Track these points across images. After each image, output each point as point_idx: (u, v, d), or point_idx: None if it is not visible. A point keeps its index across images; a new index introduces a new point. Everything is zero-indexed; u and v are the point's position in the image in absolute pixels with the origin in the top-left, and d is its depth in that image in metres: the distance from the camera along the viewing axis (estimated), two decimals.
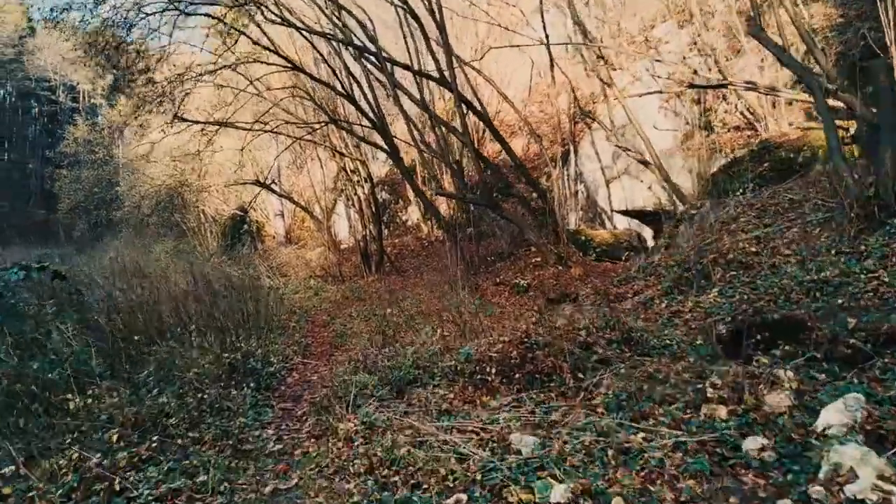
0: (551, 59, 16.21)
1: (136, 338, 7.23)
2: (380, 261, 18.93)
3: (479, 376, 5.38)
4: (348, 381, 6.00)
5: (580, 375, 4.97)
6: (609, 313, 6.15)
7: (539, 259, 12.29)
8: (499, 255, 14.88)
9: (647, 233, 19.44)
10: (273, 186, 21.67)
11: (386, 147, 13.74)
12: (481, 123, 14.19)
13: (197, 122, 13.37)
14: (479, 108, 11.92)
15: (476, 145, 20.50)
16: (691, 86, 11.81)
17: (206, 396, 5.73)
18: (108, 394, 5.75)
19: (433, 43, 12.30)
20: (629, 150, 15.64)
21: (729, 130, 16.82)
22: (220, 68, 12.28)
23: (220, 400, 5.79)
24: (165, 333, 7.68)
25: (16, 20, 46.28)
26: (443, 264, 20.56)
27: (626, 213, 20.26)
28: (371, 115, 12.89)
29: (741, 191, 11.25)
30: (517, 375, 5.21)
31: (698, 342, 5.29)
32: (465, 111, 11.54)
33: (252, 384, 6.38)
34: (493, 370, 5.31)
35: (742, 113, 17.03)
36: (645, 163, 15.37)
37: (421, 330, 8.01)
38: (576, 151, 22.09)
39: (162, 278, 10.86)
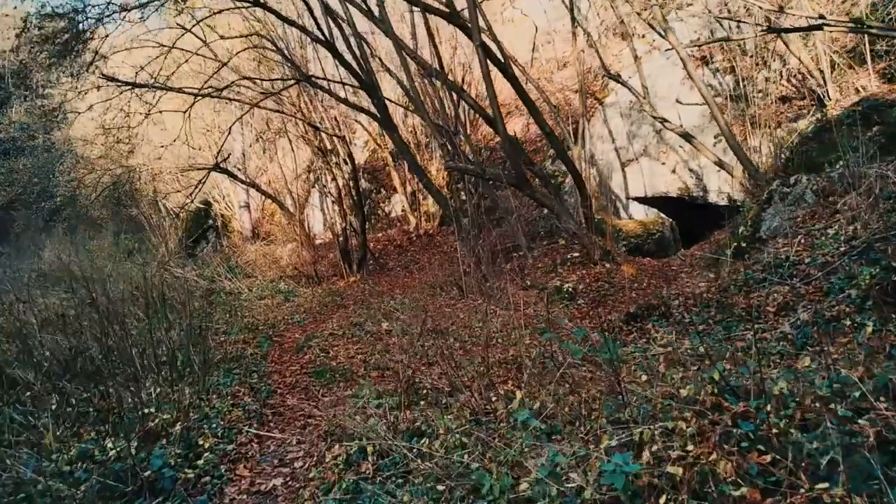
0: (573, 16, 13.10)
1: None
2: (362, 258, 15.66)
3: None
4: None
5: None
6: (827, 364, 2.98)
7: (576, 255, 9.19)
8: (514, 248, 11.72)
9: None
10: (236, 172, 18.21)
11: (375, 112, 10.50)
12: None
13: (125, 84, 9.94)
14: (501, 58, 8.69)
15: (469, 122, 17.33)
16: (769, 30, 8.73)
17: None
18: None
19: None
20: (666, 120, 12.59)
21: (774, 101, 13.89)
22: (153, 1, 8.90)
23: None
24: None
25: None
26: (442, 261, 17.37)
27: (643, 200, 17.29)
28: (356, 68, 9.65)
29: (841, 163, 8.31)
30: None
31: None
32: (486, 64, 8.29)
33: None
34: None
35: (790, 80, 14.15)
36: (688, 136, 12.33)
37: (461, 372, 4.79)
38: (582, 133, 19.07)
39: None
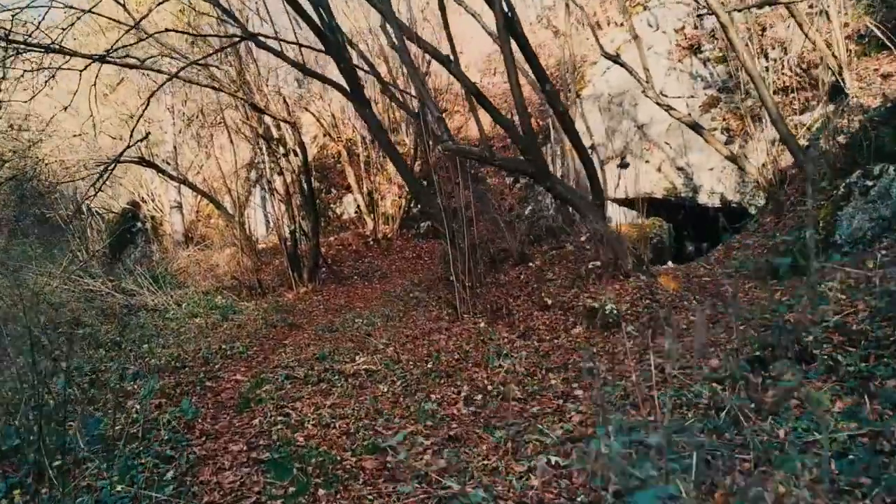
0: None
1: None
2: (314, 265, 13.21)
3: None
4: None
5: None
6: None
7: (597, 264, 7.11)
8: (504, 255, 9.58)
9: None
10: (164, 167, 15.43)
11: (345, 86, 8.10)
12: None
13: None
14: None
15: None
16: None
17: None
18: None
19: None
20: (671, 108, 10.72)
21: (776, 92, 12.28)
22: None
23: None
24: None
25: None
26: (404, 268, 15.05)
27: (625, 201, 15.49)
28: (319, 24, 7.25)
29: None
30: None
31: None
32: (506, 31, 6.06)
33: None
34: None
35: (795, 69, 12.57)
36: (697, 127, 10.50)
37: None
38: (556, 127, 17.15)
39: None
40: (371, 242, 16.44)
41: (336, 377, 5.50)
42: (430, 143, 8.34)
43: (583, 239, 8.74)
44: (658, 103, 10.65)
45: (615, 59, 10.57)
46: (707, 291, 7.16)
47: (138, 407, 4.50)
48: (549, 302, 6.56)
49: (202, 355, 6.94)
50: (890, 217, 6.37)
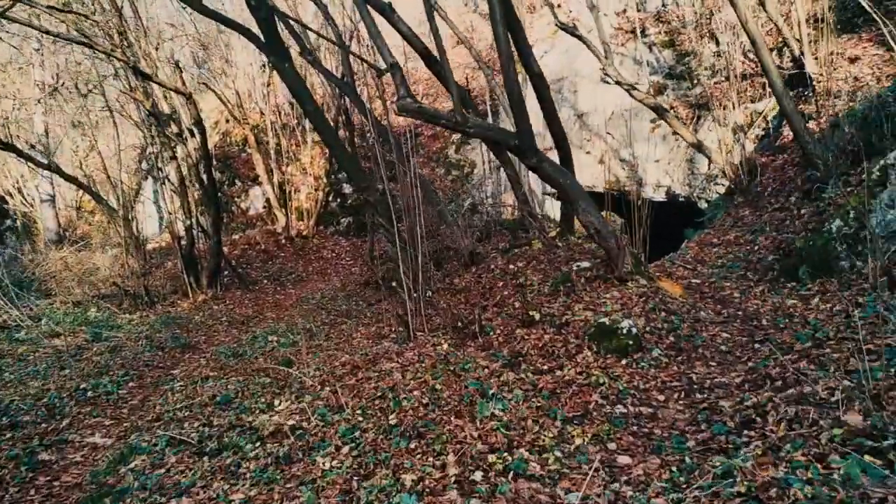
0: None
1: None
2: (216, 268, 11.00)
3: None
4: None
5: None
6: None
7: (586, 265, 5.57)
8: (450, 255, 7.93)
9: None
10: (33, 153, 12.68)
11: (260, 35, 6.08)
12: None
13: None
14: None
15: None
16: None
17: None
18: None
19: None
20: (634, 87, 9.40)
21: (727, 79, 11.33)
22: None
23: None
24: None
25: None
26: (324, 269, 13.02)
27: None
28: None
29: None
30: None
31: None
32: None
33: None
34: None
35: (749, 55, 11.67)
36: (661, 110, 9.23)
37: None
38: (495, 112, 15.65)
39: None
40: (283, 241, 14.30)
41: (246, 441, 3.60)
42: (366, 117, 6.50)
43: (552, 234, 7.21)
44: (619, 83, 9.29)
45: (572, 30, 9.12)
46: (707, 296, 5.79)
47: None
48: (537, 317, 4.92)
49: (47, 401, 4.79)
50: None
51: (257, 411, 4.13)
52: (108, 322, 8.61)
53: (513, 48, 5.58)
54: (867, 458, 2.55)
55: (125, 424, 4.37)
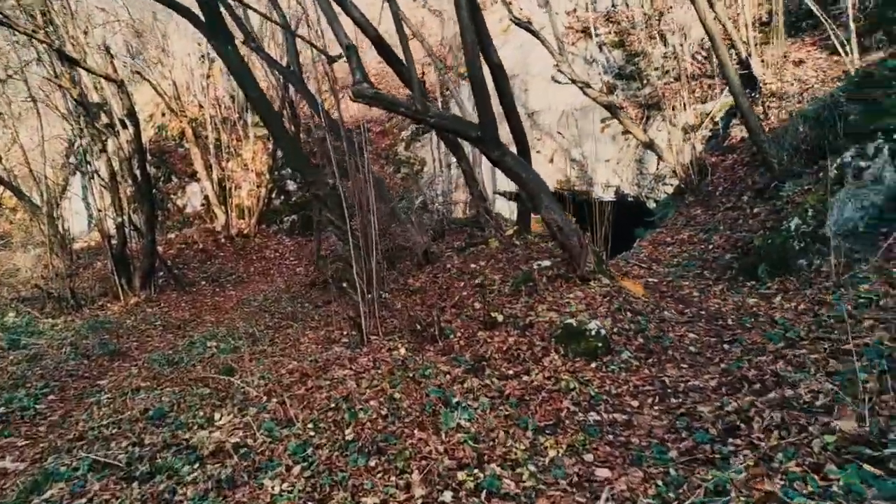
0: None
1: None
2: (149, 268, 10.30)
3: None
4: None
5: None
6: None
7: (547, 264, 5.36)
8: (402, 254, 7.61)
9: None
10: None
11: (201, 16, 5.56)
12: None
13: None
14: None
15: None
16: None
17: None
18: None
19: None
20: (588, 85, 9.29)
21: (678, 79, 11.42)
22: None
23: None
24: None
25: None
26: (266, 270, 12.43)
27: (514, 195, 14.08)
28: None
29: None
30: None
31: None
32: None
33: None
34: None
35: (697, 56, 11.79)
36: (613, 109, 9.15)
37: None
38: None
39: None
40: (223, 240, 13.62)
41: (183, 463, 3.19)
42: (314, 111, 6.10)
43: (510, 233, 6.98)
44: (573, 80, 9.17)
45: (527, 26, 8.93)
46: (667, 296, 5.66)
47: None
48: (499, 318, 4.65)
49: None
50: (881, 205, 5.22)
51: (195, 427, 3.70)
52: (27, 328, 7.88)
53: None
54: (867, 467, 2.39)
55: (42, 445, 3.86)
